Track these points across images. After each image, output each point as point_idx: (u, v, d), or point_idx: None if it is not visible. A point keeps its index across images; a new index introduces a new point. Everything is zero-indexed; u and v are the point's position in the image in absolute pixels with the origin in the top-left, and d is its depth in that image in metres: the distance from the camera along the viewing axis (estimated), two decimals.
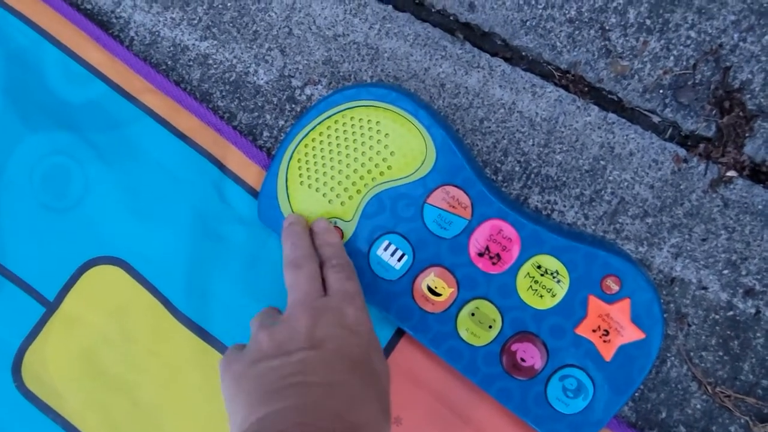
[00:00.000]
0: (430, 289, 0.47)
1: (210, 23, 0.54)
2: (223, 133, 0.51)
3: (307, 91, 0.53)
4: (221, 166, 0.50)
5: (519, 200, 0.53)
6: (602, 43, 0.57)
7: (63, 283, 0.50)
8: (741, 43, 0.55)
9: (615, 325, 0.45)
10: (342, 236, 0.47)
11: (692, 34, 0.55)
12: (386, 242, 0.47)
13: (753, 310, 0.53)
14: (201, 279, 0.51)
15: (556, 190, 0.54)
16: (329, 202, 0.47)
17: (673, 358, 0.53)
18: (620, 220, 0.55)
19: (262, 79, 0.53)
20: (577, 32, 0.56)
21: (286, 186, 0.47)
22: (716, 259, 0.54)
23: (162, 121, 0.51)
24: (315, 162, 0.47)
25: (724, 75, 0.57)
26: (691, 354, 0.53)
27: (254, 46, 0.54)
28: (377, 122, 0.46)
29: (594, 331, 0.45)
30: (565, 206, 0.54)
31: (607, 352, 0.45)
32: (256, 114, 0.53)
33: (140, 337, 0.50)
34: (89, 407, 0.49)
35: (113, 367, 0.50)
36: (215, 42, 0.55)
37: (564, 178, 0.55)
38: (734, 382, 0.53)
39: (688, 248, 0.54)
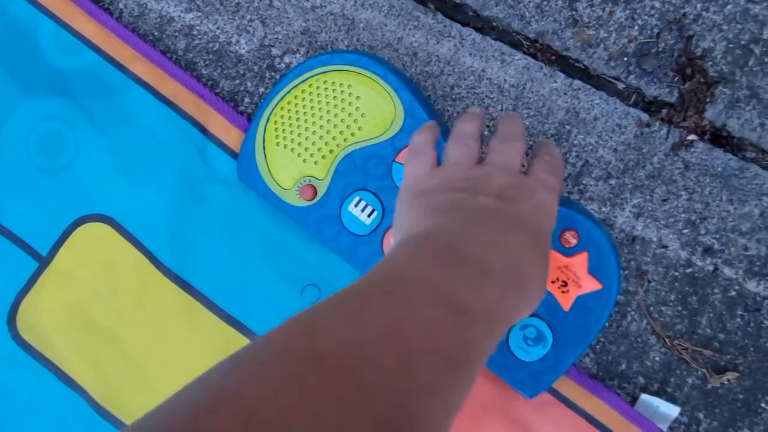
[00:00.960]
0: None
1: None
2: (206, 99, 0.51)
3: (286, 59, 0.53)
4: (204, 130, 0.50)
5: None
6: (569, 13, 0.58)
7: (55, 239, 0.51)
8: (704, 13, 0.56)
9: (573, 277, 0.45)
10: (316, 194, 0.48)
11: (656, 4, 0.56)
12: (357, 198, 0.47)
13: (711, 268, 0.55)
14: (185, 236, 0.50)
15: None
16: (304, 161, 0.47)
17: (633, 312, 0.54)
18: (584, 182, 0.56)
19: (243, 48, 0.53)
20: (545, 3, 0.57)
21: (264, 147, 0.48)
22: (676, 219, 0.55)
23: (149, 88, 0.51)
24: (290, 124, 0.47)
25: (687, 43, 0.58)
26: (651, 309, 0.55)
27: (236, 18, 0.53)
28: (348, 86, 0.47)
29: (553, 282, 0.45)
30: None
31: (566, 303, 0.45)
32: (238, 81, 0.53)
33: (127, 290, 0.50)
34: (79, 356, 0.49)
35: (102, 319, 0.50)
36: (199, 14, 0.54)
37: (531, 142, 0.55)
38: (692, 335, 0.54)
39: (650, 208, 0.56)
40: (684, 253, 0.50)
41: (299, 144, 0.48)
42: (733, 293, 0.50)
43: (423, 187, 0.37)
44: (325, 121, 0.47)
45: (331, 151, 0.47)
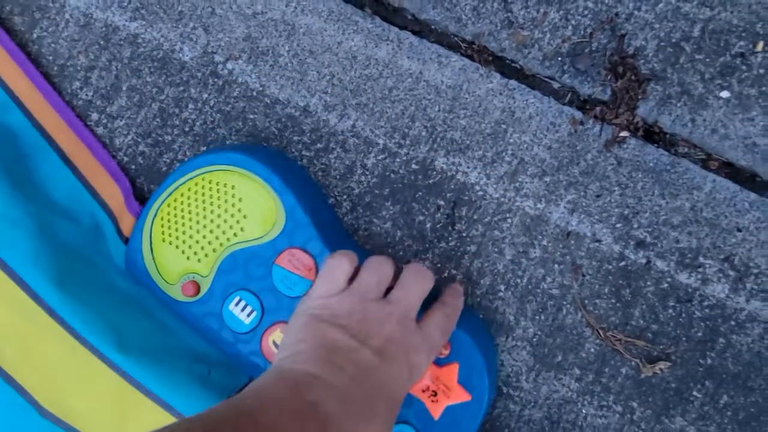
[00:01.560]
0: (276, 344, 0.46)
1: (139, 5, 0.52)
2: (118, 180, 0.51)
3: (229, 65, 0.52)
4: (103, 205, 0.50)
5: (426, 163, 0.55)
6: (505, 15, 0.59)
7: None
8: (636, 12, 0.57)
9: (443, 387, 0.44)
10: (199, 290, 0.47)
11: (590, 4, 0.57)
12: (237, 298, 0.47)
13: (644, 261, 0.56)
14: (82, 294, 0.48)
15: (460, 153, 0.53)
16: (188, 258, 0.47)
17: (568, 305, 0.55)
18: (520, 179, 0.57)
19: (187, 55, 0.52)
20: (481, 5, 0.58)
21: (151, 242, 0.48)
22: (609, 214, 0.56)
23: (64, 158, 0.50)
24: (176, 221, 0.47)
25: (619, 42, 0.59)
26: (586, 302, 0.56)
27: (180, 26, 0.52)
28: (233, 186, 0.46)
29: (423, 391, 0.45)
30: (468, 168, 0.52)
31: (436, 411, 0.44)
32: (182, 88, 0.52)
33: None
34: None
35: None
36: (144, 22, 0.53)
37: (468, 141, 0.54)
38: (626, 327, 0.55)
39: (584, 204, 0.56)
40: (617, 247, 0.51)
41: (184, 241, 0.47)
42: (665, 285, 0.51)
43: (324, 313, 0.38)
44: (209, 221, 0.47)
45: (214, 250, 0.47)
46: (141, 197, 0.52)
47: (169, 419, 0.47)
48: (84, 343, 0.47)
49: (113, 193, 0.51)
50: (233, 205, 0.47)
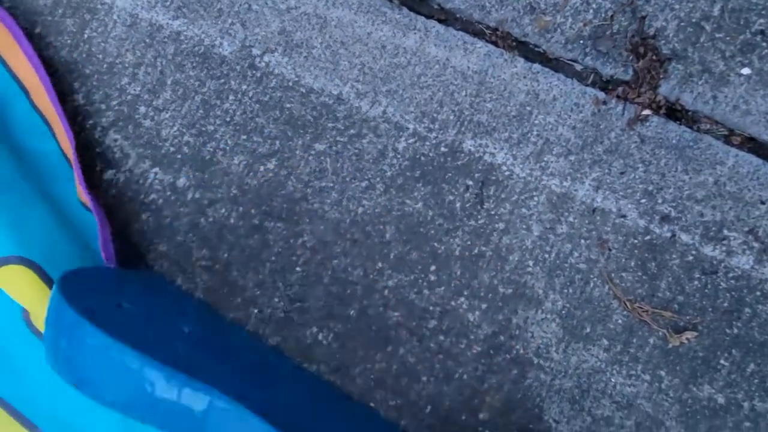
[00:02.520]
0: None
1: (180, 4, 0.55)
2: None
3: (266, 58, 0.55)
4: None
5: (454, 145, 0.55)
6: (527, 1, 0.61)
7: None
8: None
9: None
10: None
11: None
12: None
13: (669, 234, 0.57)
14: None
15: (487, 135, 0.56)
16: None
17: (595, 279, 0.56)
18: (545, 159, 0.59)
19: (226, 50, 0.55)
20: None
21: None
22: (634, 190, 0.57)
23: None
24: None
25: (640, 23, 0.60)
26: (612, 275, 0.57)
27: (219, 22, 0.56)
28: None
29: None
30: (495, 149, 0.55)
31: None
32: (223, 81, 0.55)
33: None
34: None
35: None
36: (186, 20, 0.57)
37: (494, 124, 0.56)
38: (652, 298, 0.56)
39: (608, 181, 0.58)
40: (642, 222, 0.53)
41: None
42: (691, 258, 0.52)
43: None
44: None
45: None
46: (186, 189, 0.55)
47: None
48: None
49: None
50: None
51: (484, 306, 0.51)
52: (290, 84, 0.55)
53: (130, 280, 0.47)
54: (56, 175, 0.52)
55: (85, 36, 0.56)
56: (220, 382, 0.38)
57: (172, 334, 0.42)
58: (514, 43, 0.54)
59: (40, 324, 0.48)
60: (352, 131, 0.54)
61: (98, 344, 0.39)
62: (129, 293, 0.44)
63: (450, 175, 0.53)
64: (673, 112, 0.53)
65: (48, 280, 0.48)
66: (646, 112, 0.52)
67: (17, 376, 0.52)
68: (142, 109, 0.55)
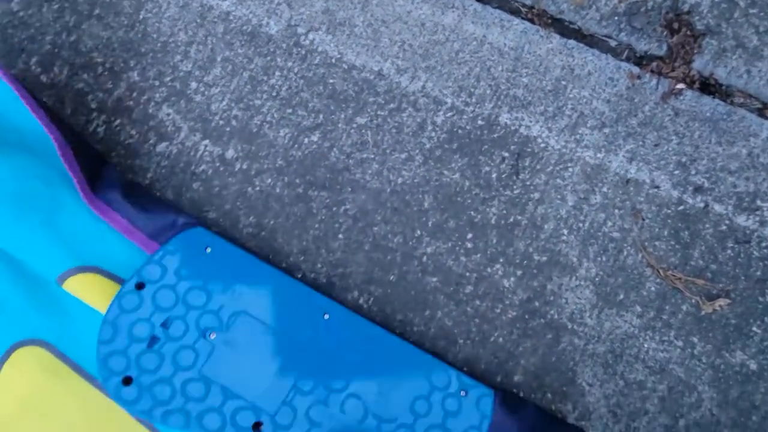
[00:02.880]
0: None
1: None
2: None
3: (310, 36, 0.58)
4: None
5: (490, 119, 0.59)
6: None
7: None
8: None
9: None
10: None
11: None
12: None
13: (702, 205, 0.58)
14: None
15: (523, 108, 0.57)
16: None
17: (629, 247, 0.55)
18: (580, 131, 0.60)
19: (273, 29, 0.58)
20: None
21: None
22: (667, 162, 0.59)
23: None
24: None
25: (675, 0, 0.61)
26: (646, 244, 0.58)
27: (266, 2, 0.57)
28: None
29: None
30: (531, 122, 0.55)
31: None
32: (269, 58, 0.57)
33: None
34: None
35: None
36: (234, 1, 0.59)
37: (530, 98, 0.57)
38: (685, 267, 0.57)
39: (642, 153, 0.59)
40: (676, 192, 0.54)
41: None
42: (724, 227, 0.53)
43: None
44: None
45: None
46: (229, 160, 0.58)
47: None
48: None
49: None
50: None
51: (519, 273, 0.53)
52: (333, 61, 0.57)
53: (161, 277, 0.49)
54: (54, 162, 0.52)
55: (141, 17, 0.59)
56: None
57: (199, 359, 0.47)
58: (550, 20, 0.56)
59: None
60: (392, 105, 0.56)
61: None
62: (161, 311, 0.48)
63: (486, 147, 0.55)
64: (707, 86, 0.54)
65: (113, 278, 0.50)
66: (680, 86, 0.53)
67: (74, 330, 0.55)
68: (194, 84, 0.58)
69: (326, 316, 0.47)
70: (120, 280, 0.49)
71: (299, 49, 0.58)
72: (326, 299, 0.48)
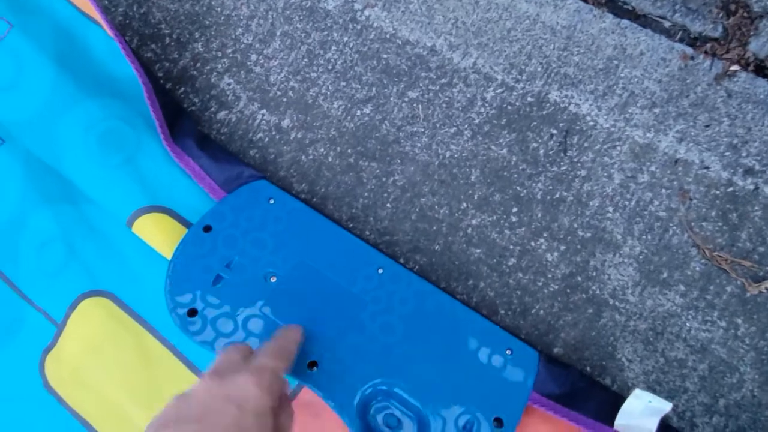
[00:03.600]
0: None
1: None
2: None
3: (366, 12, 0.59)
4: None
5: (540, 96, 0.58)
6: None
7: (124, 218, 0.53)
8: None
9: None
10: None
11: None
12: None
13: (752, 187, 0.57)
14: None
15: (573, 87, 0.57)
16: None
17: (675, 227, 0.55)
18: (630, 110, 0.59)
19: (330, 4, 0.59)
20: None
21: None
22: (718, 143, 0.58)
23: None
24: None
25: None
26: (692, 224, 0.58)
27: None
28: None
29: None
30: (580, 100, 0.56)
31: None
32: (326, 33, 0.59)
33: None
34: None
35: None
36: None
37: (580, 76, 0.57)
38: (732, 248, 0.57)
39: (692, 134, 0.59)
40: (725, 174, 0.54)
41: None
42: None
43: None
44: None
45: None
46: (290, 129, 0.60)
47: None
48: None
49: None
50: None
51: (562, 248, 0.54)
52: (387, 36, 0.59)
53: (227, 219, 0.51)
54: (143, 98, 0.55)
55: None
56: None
57: (262, 292, 0.49)
58: (604, 0, 0.56)
59: None
60: (443, 81, 0.57)
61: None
62: (226, 250, 0.50)
63: (535, 123, 0.56)
64: (762, 69, 0.53)
65: (181, 220, 0.53)
66: (735, 67, 0.53)
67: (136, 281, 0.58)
68: (254, 56, 0.61)
69: (380, 271, 0.49)
70: (187, 223, 0.52)
71: (355, 24, 0.59)
72: (381, 255, 0.50)
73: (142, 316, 0.57)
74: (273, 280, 0.49)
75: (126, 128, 0.54)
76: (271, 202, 0.52)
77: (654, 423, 0.43)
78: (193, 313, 0.47)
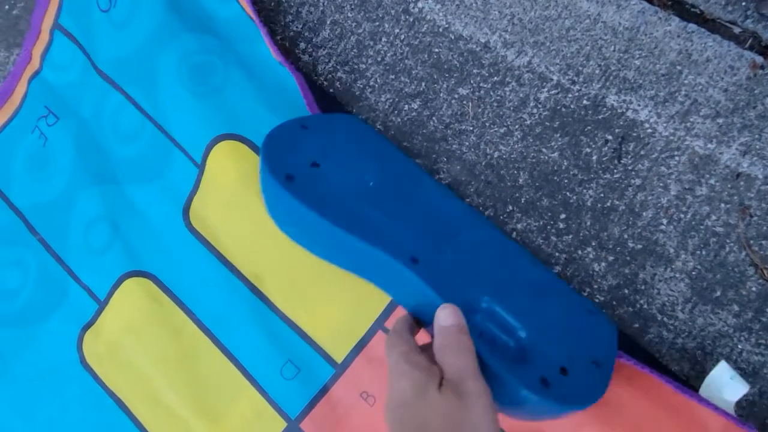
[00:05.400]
0: None
1: None
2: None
3: (420, 4, 0.56)
4: None
5: (597, 99, 0.53)
6: None
7: (203, 149, 0.55)
8: None
9: None
10: None
11: None
12: None
13: None
14: None
15: (632, 91, 0.53)
16: None
17: (732, 244, 0.53)
18: (692, 119, 0.56)
19: None
20: None
21: None
22: None
23: None
24: None
25: None
26: (751, 242, 0.54)
27: None
28: None
29: None
30: (639, 106, 0.52)
31: None
32: (377, 23, 0.57)
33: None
34: (237, 243, 0.55)
35: (246, 212, 0.55)
36: None
37: (641, 81, 0.54)
38: None
39: (757, 147, 0.55)
40: None
41: None
42: None
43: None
44: None
45: None
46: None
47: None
48: None
49: None
50: None
51: (611, 258, 0.51)
52: (440, 30, 0.57)
53: (323, 129, 0.51)
54: (247, 36, 0.57)
55: None
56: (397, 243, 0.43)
57: (360, 190, 0.47)
58: (670, 2, 0.53)
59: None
60: (495, 78, 0.55)
61: (301, 213, 0.44)
62: (323, 146, 0.48)
63: (589, 128, 0.53)
64: None
65: (258, 151, 0.54)
66: None
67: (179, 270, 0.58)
68: (302, 44, 0.59)
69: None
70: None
71: (407, 16, 0.57)
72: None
73: (182, 300, 0.57)
74: (371, 183, 0.48)
75: (217, 62, 0.56)
76: (363, 133, 0.52)
77: (733, 398, 0.43)
78: (290, 178, 0.45)
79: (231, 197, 0.56)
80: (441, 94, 0.55)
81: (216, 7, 0.59)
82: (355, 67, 0.57)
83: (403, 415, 0.35)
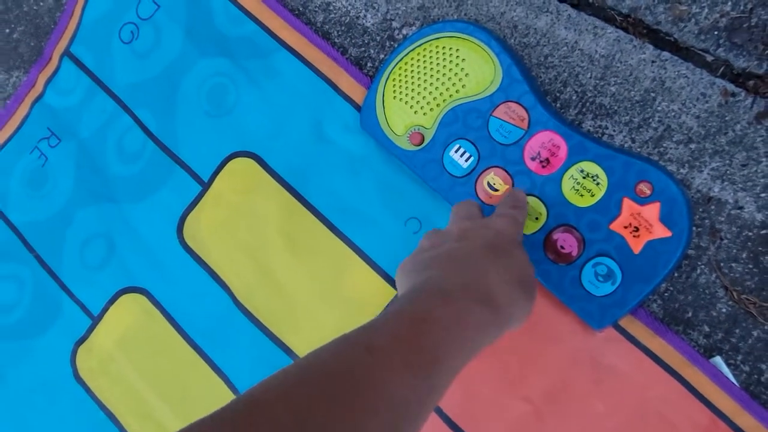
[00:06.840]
0: (489, 185, 0.52)
1: None
2: (338, 62, 0.56)
3: (404, 31, 0.57)
4: (335, 87, 0.57)
5: (573, 124, 0.53)
6: None
7: (214, 168, 0.59)
8: None
9: (645, 224, 0.46)
10: (423, 140, 0.53)
11: None
12: (457, 146, 0.52)
13: None
14: (314, 170, 0.56)
15: (607, 117, 0.53)
16: (415, 113, 0.53)
17: (703, 266, 0.53)
18: (665, 145, 0.57)
19: (369, 21, 0.58)
20: None
21: (383, 100, 0.54)
22: (755, 183, 0.55)
23: (294, 52, 0.58)
24: (406, 81, 0.53)
25: None
26: (721, 264, 0.55)
27: None
28: (456, 50, 0.51)
29: (626, 227, 0.47)
30: (614, 131, 0.52)
31: (636, 246, 0.47)
32: (363, 49, 0.58)
33: (266, 212, 0.57)
34: (228, 262, 0.57)
35: (244, 235, 0.57)
36: None
37: (616, 107, 0.53)
38: (761, 292, 0.54)
39: (728, 172, 0.56)
40: (760, 216, 0.51)
41: (412, 98, 0.53)
42: None
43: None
44: (434, 80, 0.52)
45: (438, 105, 0.52)
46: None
47: (378, 280, 0.54)
48: (309, 207, 0.57)
49: (336, 72, 0.58)
50: (456, 65, 0.52)
51: None
52: None
53: None
54: (262, 50, 0.60)
55: None
56: None
57: None
58: (645, 31, 0.54)
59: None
60: None
61: None
62: None
63: None
64: None
65: (267, 168, 0.59)
66: None
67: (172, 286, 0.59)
68: None
69: None
70: (271, 170, 0.60)
71: (392, 42, 0.59)
72: None
73: (173, 315, 0.58)
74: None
75: (229, 83, 0.60)
76: None
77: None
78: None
79: (230, 214, 0.58)
80: None
81: (229, 28, 0.61)
82: None
83: (468, 229, 0.43)
